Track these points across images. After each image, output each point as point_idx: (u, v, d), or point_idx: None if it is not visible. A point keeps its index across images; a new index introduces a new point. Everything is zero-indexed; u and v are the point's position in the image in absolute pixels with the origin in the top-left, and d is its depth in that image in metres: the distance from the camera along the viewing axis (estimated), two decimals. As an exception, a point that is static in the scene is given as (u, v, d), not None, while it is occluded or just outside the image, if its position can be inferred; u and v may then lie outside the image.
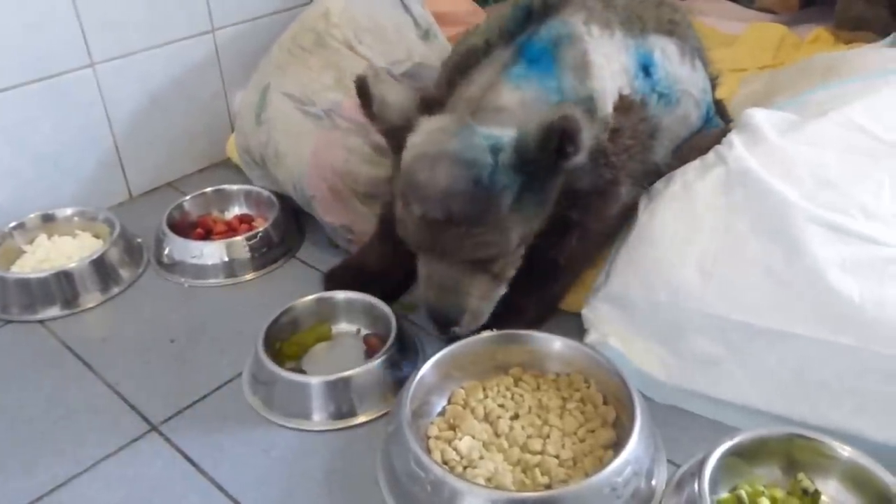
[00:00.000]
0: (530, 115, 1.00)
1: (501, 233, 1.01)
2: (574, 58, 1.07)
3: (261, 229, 1.41)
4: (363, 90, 1.07)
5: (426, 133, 1.03)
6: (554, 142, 0.94)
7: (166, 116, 1.65)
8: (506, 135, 0.99)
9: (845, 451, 0.92)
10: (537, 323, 1.19)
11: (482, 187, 0.97)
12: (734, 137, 1.20)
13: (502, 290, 1.09)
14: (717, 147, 1.19)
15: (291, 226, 1.48)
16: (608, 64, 1.10)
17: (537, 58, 1.07)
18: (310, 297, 1.21)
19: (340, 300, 1.22)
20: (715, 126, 1.34)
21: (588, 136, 0.95)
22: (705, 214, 1.13)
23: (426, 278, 1.07)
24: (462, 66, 1.13)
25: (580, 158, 0.97)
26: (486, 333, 1.09)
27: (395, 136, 1.07)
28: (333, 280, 1.31)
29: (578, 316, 1.21)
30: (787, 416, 1.02)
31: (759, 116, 1.24)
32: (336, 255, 1.42)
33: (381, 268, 1.28)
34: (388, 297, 1.24)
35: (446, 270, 1.04)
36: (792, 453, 0.94)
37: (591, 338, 1.17)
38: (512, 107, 1.04)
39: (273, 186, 1.51)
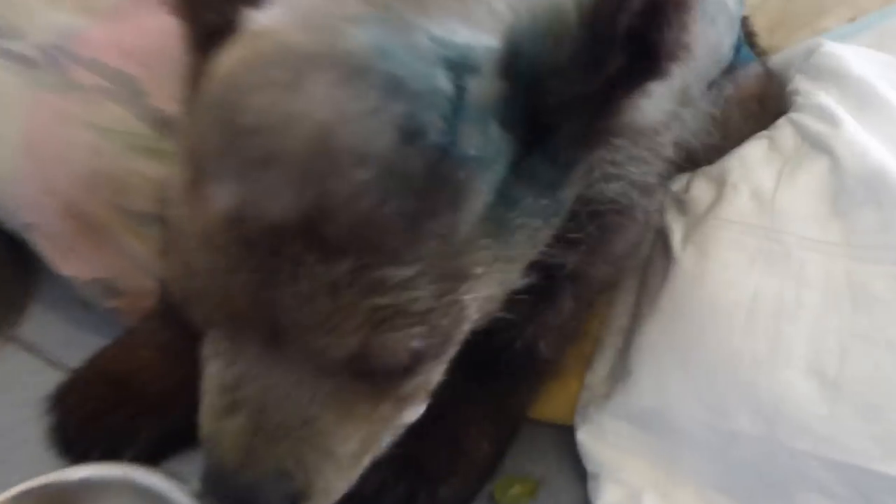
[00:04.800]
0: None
1: (452, 283, 0.41)
2: None
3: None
4: None
5: (289, 18, 0.42)
6: (623, 23, 0.37)
7: None
8: (480, 41, 0.41)
9: None
10: (488, 471, 0.64)
11: (424, 151, 0.39)
12: (824, 98, 0.67)
13: (405, 422, 0.49)
14: (797, 118, 0.68)
15: (1, 265, 0.78)
16: None
17: None
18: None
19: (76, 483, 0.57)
20: (747, 59, 0.79)
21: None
22: (811, 259, 0.59)
23: (225, 396, 0.44)
24: None
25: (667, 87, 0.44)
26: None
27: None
28: (70, 409, 0.66)
29: (555, 429, 0.68)
30: None
31: (853, 60, 0.72)
32: (92, 332, 0.75)
33: (171, 380, 0.65)
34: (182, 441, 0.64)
35: (285, 382, 0.42)
36: None
37: (607, 496, 0.61)
38: None
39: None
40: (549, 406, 0.68)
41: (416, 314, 0.39)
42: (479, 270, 0.42)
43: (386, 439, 0.47)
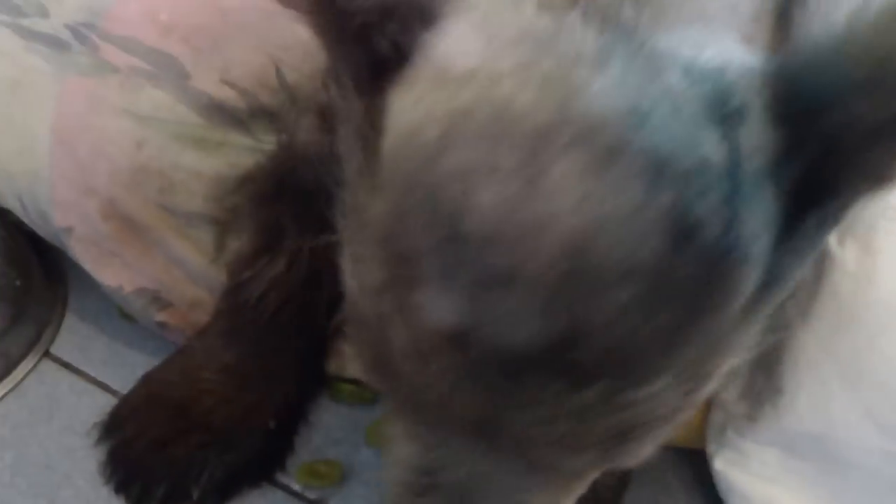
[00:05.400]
0: None
1: (703, 381, 0.33)
2: None
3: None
4: None
5: (486, 46, 0.30)
6: None
7: None
8: (732, 53, 0.30)
9: None
10: None
11: (701, 253, 0.28)
12: None
13: None
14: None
15: (33, 277, 0.69)
16: None
17: None
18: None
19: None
20: None
21: None
22: None
23: (423, 478, 0.37)
24: None
25: None
26: None
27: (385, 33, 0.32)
28: (127, 440, 0.58)
29: (677, 454, 0.59)
30: None
31: None
32: (135, 349, 0.66)
33: (238, 407, 0.58)
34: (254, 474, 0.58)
35: (493, 470, 0.35)
36: None
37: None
38: None
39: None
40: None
41: (661, 419, 0.33)
42: (732, 361, 0.34)
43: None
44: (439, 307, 0.30)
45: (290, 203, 0.56)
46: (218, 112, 0.62)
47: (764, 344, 0.37)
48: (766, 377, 0.57)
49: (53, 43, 0.62)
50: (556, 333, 0.29)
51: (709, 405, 0.58)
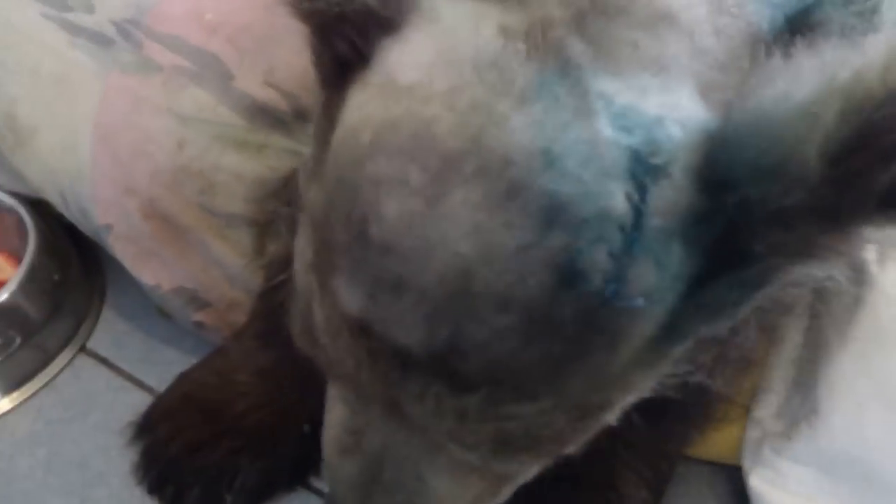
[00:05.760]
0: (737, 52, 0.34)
1: (594, 412, 0.36)
2: None
3: (3, 296, 0.63)
4: None
5: (430, 65, 0.32)
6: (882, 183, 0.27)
7: None
8: (676, 108, 0.30)
9: None
10: None
11: (581, 298, 0.30)
12: None
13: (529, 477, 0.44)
14: None
15: (72, 271, 0.70)
16: None
17: None
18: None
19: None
20: None
21: None
22: None
23: (349, 437, 0.40)
24: None
25: None
26: None
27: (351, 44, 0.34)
28: (161, 441, 0.58)
29: (711, 468, 0.59)
30: None
31: None
32: (171, 346, 0.66)
33: (273, 410, 0.58)
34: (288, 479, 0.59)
35: (404, 444, 0.38)
36: None
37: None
38: (691, 18, 0.33)
39: (18, 187, 0.70)
40: (708, 443, 0.58)
41: (549, 437, 0.35)
42: (626, 397, 0.36)
43: (507, 493, 0.42)
44: (345, 297, 0.32)
45: None
46: (260, 114, 0.61)
47: (683, 380, 0.38)
48: (802, 396, 0.57)
49: (98, 39, 0.62)
50: (439, 342, 0.31)
51: (745, 421, 0.58)
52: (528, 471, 0.41)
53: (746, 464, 0.57)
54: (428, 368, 0.32)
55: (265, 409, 0.57)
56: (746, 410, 0.58)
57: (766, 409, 0.58)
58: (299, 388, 0.59)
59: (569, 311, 0.29)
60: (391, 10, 0.32)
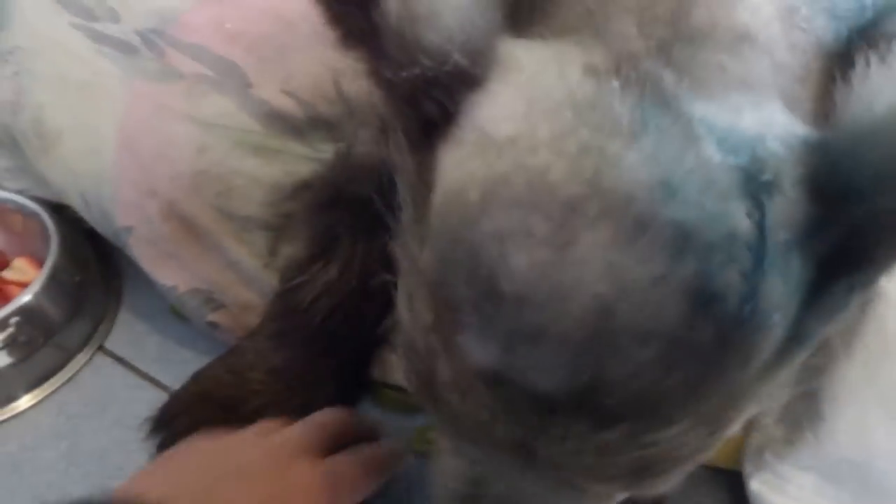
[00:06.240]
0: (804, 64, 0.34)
1: (725, 424, 0.35)
2: None
3: (26, 297, 0.65)
4: None
5: (526, 115, 0.32)
6: None
7: None
8: (772, 121, 0.31)
9: None
10: None
11: (718, 320, 0.30)
12: None
13: None
14: None
15: (91, 274, 0.72)
16: None
17: None
18: None
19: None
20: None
21: None
22: None
23: (468, 487, 0.40)
24: None
25: None
26: None
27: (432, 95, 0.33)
28: (177, 436, 0.58)
29: (708, 472, 0.59)
30: None
31: None
32: (185, 346, 0.68)
33: (285, 409, 0.57)
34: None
35: (534, 485, 0.38)
36: None
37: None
38: (768, 36, 0.34)
39: (41, 192, 0.72)
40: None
41: (683, 456, 0.35)
42: (754, 407, 0.35)
43: None
44: (478, 352, 0.32)
45: (344, 212, 0.57)
46: (277, 120, 0.64)
47: (794, 390, 0.38)
48: (806, 403, 0.57)
49: (123, 47, 0.64)
50: (581, 384, 0.30)
51: (746, 427, 0.58)
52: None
53: (747, 469, 0.57)
54: (570, 411, 0.32)
55: (278, 408, 0.58)
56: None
57: (769, 416, 0.58)
58: (311, 388, 0.61)
59: (707, 335, 0.30)
60: (479, 67, 0.32)
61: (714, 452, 0.55)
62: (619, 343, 0.30)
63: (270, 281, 0.63)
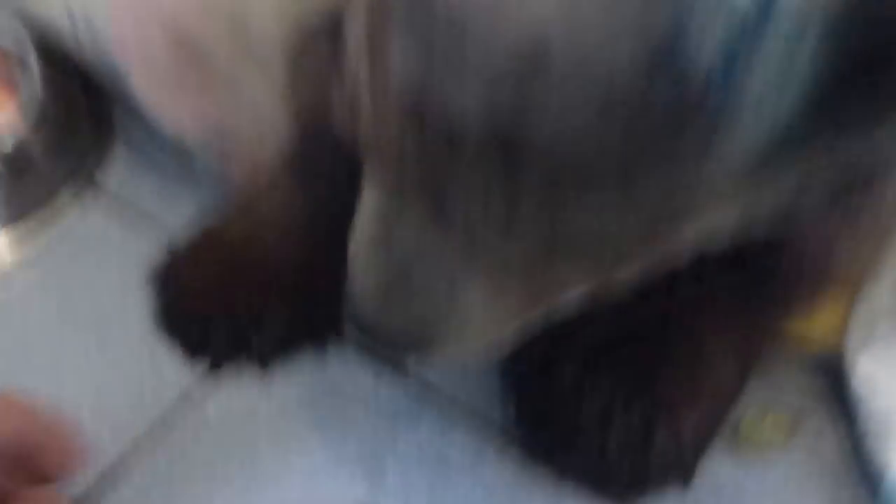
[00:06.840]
0: None
1: (668, 221, 0.32)
2: None
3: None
4: None
5: None
6: None
7: None
8: None
9: None
10: (734, 397, 0.50)
11: (680, 88, 0.26)
12: None
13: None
14: None
15: (79, 106, 0.65)
16: None
17: None
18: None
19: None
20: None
21: None
22: None
23: (381, 226, 0.38)
24: None
25: None
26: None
27: None
28: (184, 285, 0.56)
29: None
30: None
31: None
32: (190, 183, 0.63)
33: (304, 254, 0.55)
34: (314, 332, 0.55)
35: (439, 242, 0.36)
36: None
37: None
38: None
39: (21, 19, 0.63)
40: (809, 321, 0.51)
41: (605, 240, 0.32)
42: (706, 220, 0.32)
43: (541, 312, 0.39)
44: (399, 67, 0.30)
45: None
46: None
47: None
48: None
49: None
50: (498, 121, 0.28)
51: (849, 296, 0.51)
52: (572, 290, 0.38)
53: (852, 343, 0.52)
54: (481, 152, 0.30)
55: (294, 259, 0.55)
56: (852, 286, 0.52)
57: (881, 284, 0.52)
58: (331, 243, 0.57)
59: (658, 97, 0.26)
60: None
61: (804, 329, 0.52)
62: (551, 81, 0.27)
63: (286, 119, 0.57)
